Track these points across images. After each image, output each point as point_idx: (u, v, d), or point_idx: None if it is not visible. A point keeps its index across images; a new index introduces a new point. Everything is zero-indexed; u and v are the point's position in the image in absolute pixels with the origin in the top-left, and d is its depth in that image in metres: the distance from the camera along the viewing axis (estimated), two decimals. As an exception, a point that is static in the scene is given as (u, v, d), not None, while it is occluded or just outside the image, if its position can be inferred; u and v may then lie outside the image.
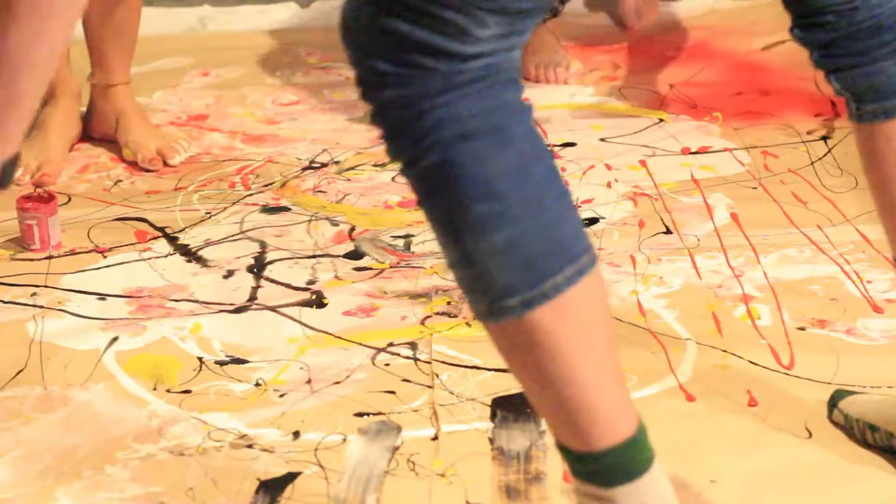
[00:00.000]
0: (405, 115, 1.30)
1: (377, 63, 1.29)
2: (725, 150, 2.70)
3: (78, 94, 2.76)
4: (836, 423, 1.82)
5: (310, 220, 2.48)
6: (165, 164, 2.71)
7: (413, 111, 1.29)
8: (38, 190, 2.44)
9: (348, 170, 2.68)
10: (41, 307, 2.20)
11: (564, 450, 1.37)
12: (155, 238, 2.43)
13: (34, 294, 2.25)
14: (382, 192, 2.58)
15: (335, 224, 2.46)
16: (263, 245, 2.39)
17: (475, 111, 1.28)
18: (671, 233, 2.38)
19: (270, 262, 2.33)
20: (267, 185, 2.62)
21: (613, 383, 1.35)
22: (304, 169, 2.69)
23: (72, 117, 2.75)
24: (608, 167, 2.63)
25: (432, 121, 1.28)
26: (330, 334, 2.11)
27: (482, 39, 1.27)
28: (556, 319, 1.31)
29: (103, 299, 2.23)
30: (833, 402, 1.84)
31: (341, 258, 2.34)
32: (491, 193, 1.28)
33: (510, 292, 1.30)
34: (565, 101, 2.96)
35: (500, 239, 1.29)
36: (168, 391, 1.97)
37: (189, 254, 2.37)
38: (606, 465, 1.35)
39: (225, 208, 2.53)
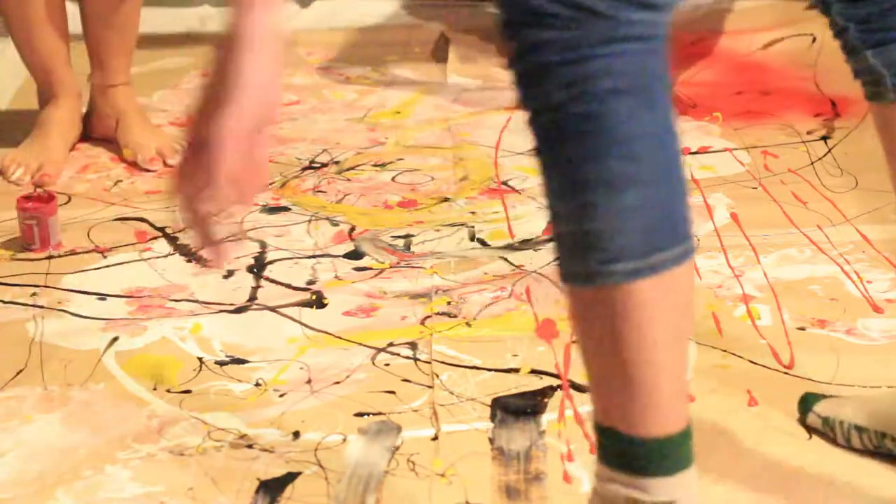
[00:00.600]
0: (562, 59, 1.27)
1: (541, 2, 1.27)
2: (725, 150, 2.70)
3: (78, 94, 2.76)
4: (811, 428, 1.80)
5: (310, 220, 2.48)
6: (165, 164, 2.71)
7: (571, 55, 1.27)
8: (38, 190, 2.44)
9: (348, 170, 2.68)
10: (41, 307, 2.20)
11: (607, 431, 1.35)
12: (155, 238, 2.43)
13: (34, 294, 2.25)
14: (382, 192, 2.58)
15: (335, 224, 2.46)
16: (263, 245, 2.40)
17: (631, 69, 1.27)
18: (671, 233, 2.37)
19: (270, 262, 2.33)
20: (267, 185, 2.62)
21: (682, 372, 1.35)
22: (304, 169, 2.69)
23: (72, 117, 2.75)
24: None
25: (589, 69, 1.27)
26: (330, 334, 2.11)
27: (658, 6, 1.26)
28: (654, 295, 1.31)
29: (103, 299, 2.23)
30: (806, 406, 1.81)
31: (341, 258, 2.34)
32: (631, 153, 1.28)
33: (623, 256, 1.30)
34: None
35: (629, 200, 1.29)
36: (168, 391, 1.97)
37: (189, 254, 2.37)
38: (650, 453, 1.34)
39: (225, 208, 2.53)
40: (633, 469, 1.34)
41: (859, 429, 1.74)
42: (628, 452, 1.34)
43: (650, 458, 1.34)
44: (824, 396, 1.81)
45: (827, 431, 1.78)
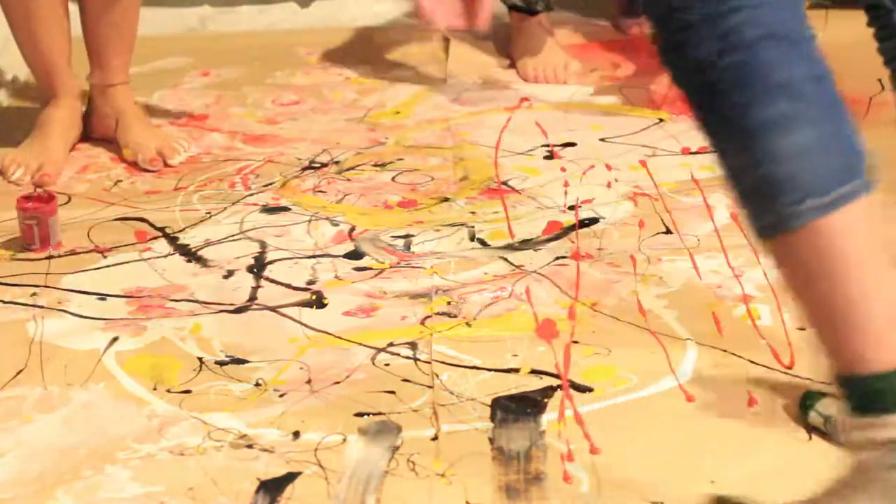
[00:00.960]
0: (712, 11, 1.32)
1: None
2: (725, 150, 2.70)
3: (78, 94, 2.76)
4: (812, 427, 1.81)
5: (310, 220, 2.48)
6: (165, 164, 2.71)
7: (722, 7, 1.31)
8: (38, 190, 2.44)
9: (348, 170, 2.68)
10: (41, 307, 2.20)
11: (849, 380, 1.37)
12: (155, 238, 2.43)
13: (34, 294, 2.25)
14: (382, 192, 2.58)
15: (335, 224, 2.46)
16: (263, 245, 2.39)
17: (778, 18, 1.32)
18: (671, 233, 2.38)
19: (270, 262, 2.33)
20: (267, 185, 2.62)
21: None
22: (304, 169, 2.69)
23: (73, 117, 2.75)
24: (608, 167, 2.63)
25: (740, 18, 1.31)
26: (330, 334, 2.11)
27: None
28: (849, 226, 1.33)
29: (103, 299, 2.23)
30: (807, 405, 1.82)
31: (341, 258, 2.34)
32: (794, 93, 1.32)
33: (809, 193, 1.32)
34: (565, 101, 2.96)
35: (803, 138, 1.32)
36: (168, 391, 1.97)
37: (189, 254, 2.37)
38: (891, 387, 1.35)
39: (225, 208, 2.53)
40: (877, 409, 1.36)
41: None
42: (870, 390, 1.36)
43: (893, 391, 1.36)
44: (826, 394, 1.81)
45: (828, 430, 1.78)
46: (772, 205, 1.34)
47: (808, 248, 1.34)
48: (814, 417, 1.81)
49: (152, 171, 2.69)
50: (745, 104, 1.33)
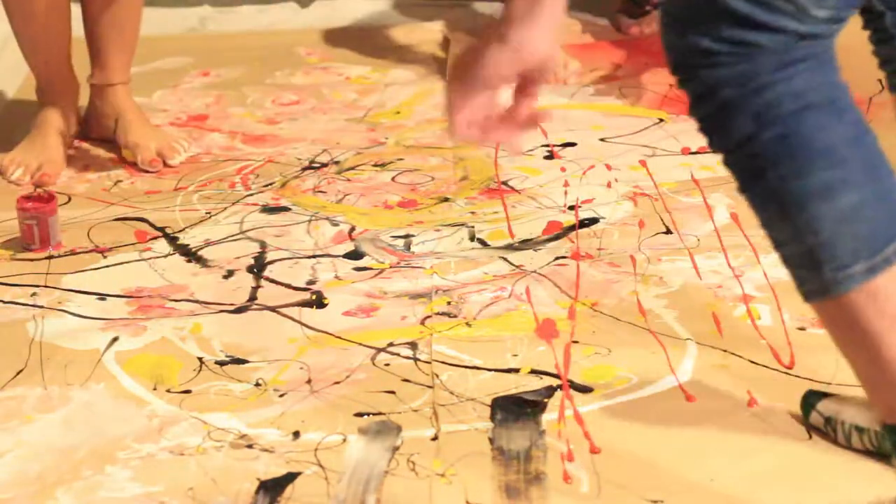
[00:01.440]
0: (744, 92, 1.32)
1: (702, 41, 1.31)
2: (725, 150, 2.70)
3: (77, 92, 2.76)
4: (813, 427, 1.80)
5: (310, 220, 2.48)
6: (165, 164, 2.71)
7: (752, 86, 1.32)
8: (38, 190, 2.44)
9: (348, 170, 2.68)
10: (41, 307, 2.20)
11: (889, 428, 1.44)
12: (155, 238, 2.43)
13: (34, 294, 2.25)
14: (382, 192, 2.58)
15: (335, 224, 2.46)
16: (263, 245, 2.39)
17: (811, 85, 1.32)
18: (671, 233, 2.38)
19: (270, 262, 2.33)
20: (267, 185, 2.62)
21: None
22: (304, 169, 2.69)
23: (71, 116, 2.74)
24: (608, 167, 2.63)
25: (772, 95, 1.32)
26: (330, 334, 2.11)
27: (819, 20, 1.31)
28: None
29: (103, 299, 2.23)
30: (809, 404, 1.81)
31: (341, 258, 2.34)
32: (835, 160, 1.33)
33: (856, 257, 1.34)
34: (565, 101, 2.96)
35: (846, 204, 1.33)
36: (168, 391, 1.97)
37: (189, 254, 2.37)
38: None
39: (225, 208, 2.53)
40: None
41: (860, 429, 1.74)
42: None
43: None
44: (827, 395, 1.81)
45: (828, 431, 1.78)
46: (818, 272, 1.36)
47: (858, 311, 1.37)
48: (815, 418, 1.80)
49: (152, 172, 2.69)
50: (787, 177, 1.34)
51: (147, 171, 2.69)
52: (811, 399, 1.82)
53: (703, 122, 1.37)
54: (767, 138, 1.33)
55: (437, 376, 1.98)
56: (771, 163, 1.34)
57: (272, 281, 2.27)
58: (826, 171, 1.33)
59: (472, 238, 2.39)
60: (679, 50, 1.34)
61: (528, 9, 1.29)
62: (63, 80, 2.71)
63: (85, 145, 2.80)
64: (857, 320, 1.37)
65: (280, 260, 2.34)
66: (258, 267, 2.32)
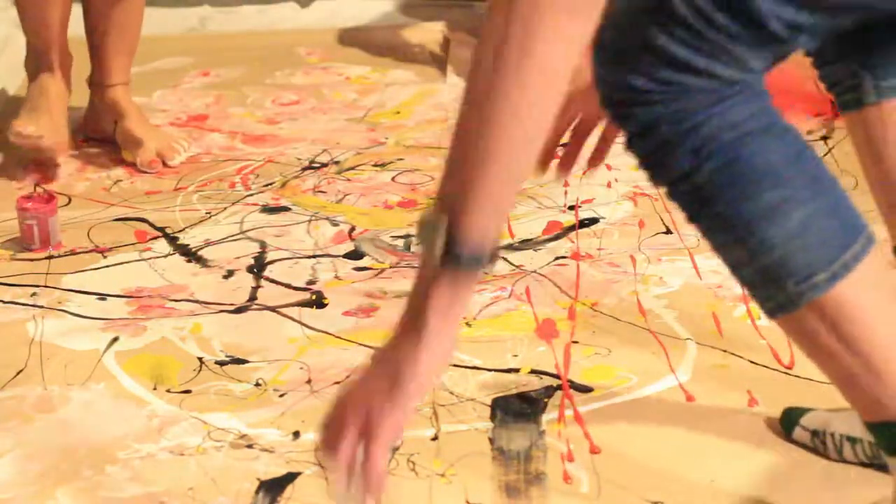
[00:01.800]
0: (680, 129, 1.34)
1: (637, 80, 1.32)
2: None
3: (71, 63, 2.74)
4: (798, 443, 1.78)
5: (310, 220, 2.48)
6: (165, 164, 2.71)
7: (688, 124, 1.33)
8: (38, 190, 2.44)
9: (348, 170, 2.68)
10: (41, 307, 2.20)
11: (879, 427, 1.43)
12: (155, 238, 2.43)
13: (34, 294, 2.25)
14: (382, 192, 2.58)
15: (335, 224, 2.46)
16: (263, 245, 2.39)
17: (747, 115, 1.34)
18: (671, 233, 2.38)
19: (270, 262, 2.33)
20: (267, 185, 2.62)
21: None
22: (304, 169, 2.69)
23: (66, 87, 2.73)
24: (608, 167, 2.63)
25: (709, 130, 1.33)
26: (330, 334, 2.11)
27: (755, 70, 1.34)
28: (859, 288, 1.36)
29: (103, 299, 2.23)
30: (791, 421, 1.79)
31: (341, 258, 2.34)
32: (779, 181, 1.34)
33: (816, 269, 1.35)
34: (565, 101, 2.95)
35: (796, 220, 1.34)
36: (168, 391, 1.97)
37: (189, 254, 2.37)
38: None
39: (225, 208, 2.53)
40: None
41: (852, 440, 1.72)
42: None
43: None
44: (808, 410, 1.79)
45: (816, 445, 1.76)
46: (780, 286, 1.37)
47: (825, 318, 1.38)
48: (799, 433, 1.78)
49: (151, 172, 2.69)
50: (734, 202, 1.35)
51: (146, 172, 2.69)
52: (792, 416, 1.79)
53: (643, 160, 1.38)
54: (709, 170, 1.34)
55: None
56: (716, 192, 1.35)
57: (272, 281, 2.27)
58: (772, 192, 1.34)
59: (472, 238, 2.39)
60: (611, 86, 1.34)
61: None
62: (61, 49, 2.70)
63: (85, 145, 2.80)
64: (819, 328, 1.38)
65: (280, 260, 2.34)
66: (258, 267, 2.32)
